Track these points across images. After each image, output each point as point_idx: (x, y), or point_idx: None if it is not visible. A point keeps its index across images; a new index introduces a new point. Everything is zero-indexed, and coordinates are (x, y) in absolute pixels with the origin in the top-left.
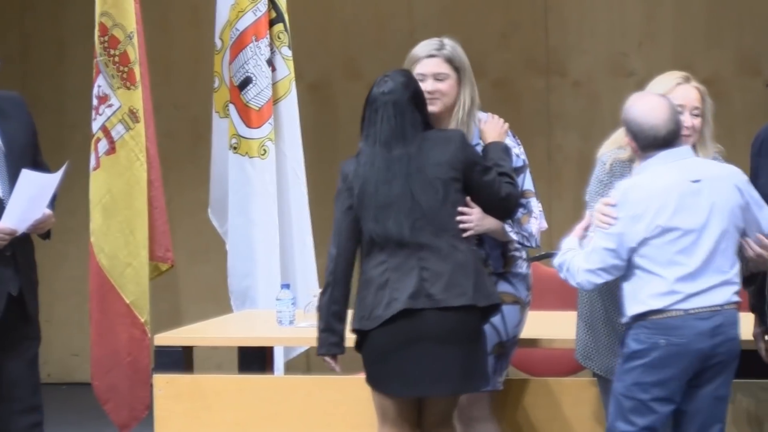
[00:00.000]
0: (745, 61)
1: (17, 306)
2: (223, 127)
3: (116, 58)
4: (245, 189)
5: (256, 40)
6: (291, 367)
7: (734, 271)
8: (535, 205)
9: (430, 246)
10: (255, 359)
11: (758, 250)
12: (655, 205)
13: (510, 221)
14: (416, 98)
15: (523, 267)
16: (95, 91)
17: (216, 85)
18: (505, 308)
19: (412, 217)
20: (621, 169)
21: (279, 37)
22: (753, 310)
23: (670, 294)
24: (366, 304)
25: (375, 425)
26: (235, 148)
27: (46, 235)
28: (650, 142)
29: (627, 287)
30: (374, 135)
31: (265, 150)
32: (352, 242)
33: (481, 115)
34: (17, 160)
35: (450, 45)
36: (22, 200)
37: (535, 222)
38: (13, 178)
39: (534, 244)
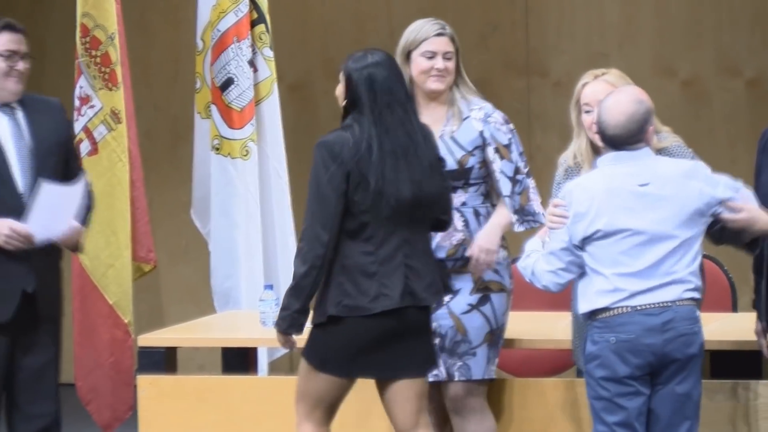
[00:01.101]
0: (725, 61)
1: (31, 307)
2: (204, 128)
3: (98, 59)
4: (227, 190)
5: (238, 41)
6: (275, 367)
7: (689, 269)
8: (531, 182)
9: (412, 238)
10: (238, 360)
11: (732, 216)
12: (595, 207)
13: (515, 214)
14: (400, 74)
15: (505, 254)
16: (77, 92)
17: (198, 86)
18: (494, 296)
19: (410, 205)
20: (575, 172)
21: (260, 38)
22: (754, 306)
23: (615, 292)
24: (346, 290)
25: (360, 425)
26: (217, 149)
27: (75, 248)
28: (604, 138)
29: (579, 285)
30: (387, 103)
31: (247, 151)
32: (338, 227)
33: (476, 101)
34: (43, 157)
35: (448, 26)
36: (43, 211)
37: (536, 198)
38: (36, 175)
39: (543, 221)
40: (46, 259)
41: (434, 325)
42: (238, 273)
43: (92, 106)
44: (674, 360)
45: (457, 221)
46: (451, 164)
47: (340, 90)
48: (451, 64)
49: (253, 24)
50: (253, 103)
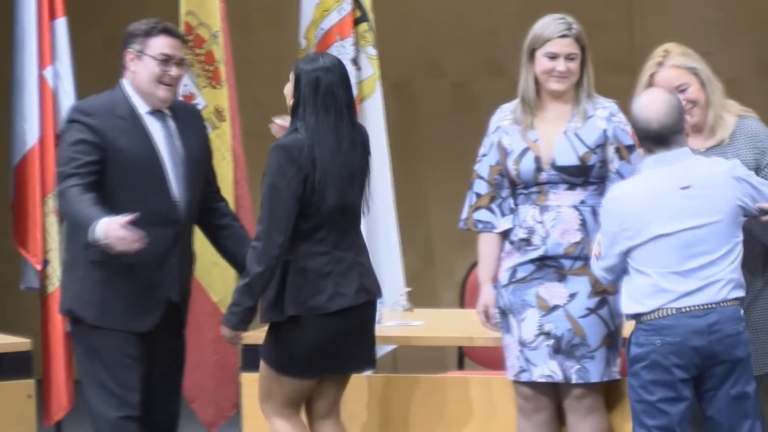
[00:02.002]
0: None
1: (173, 314)
2: None
3: (201, 58)
4: None
5: (341, 39)
6: (377, 366)
7: (732, 268)
8: None
9: (358, 237)
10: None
11: (764, 218)
12: (638, 216)
13: None
14: (348, 80)
15: None
16: (180, 90)
17: None
18: (611, 299)
19: (338, 211)
20: None
21: (364, 37)
22: None
23: (659, 293)
24: (303, 290)
25: (465, 423)
26: None
27: None
28: (643, 136)
29: (623, 286)
30: (325, 106)
31: None
32: (292, 230)
33: (602, 100)
34: (195, 166)
35: (575, 24)
36: None
37: None
38: (191, 185)
39: None
40: (188, 267)
41: (550, 327)
42: None
43: (196, 105)
44: (721, 362)
45: (575, 220)
46: (572, 160)
47: (288, 89)
48: (573, 65)
49: (357, 22)
50: (357, 101)
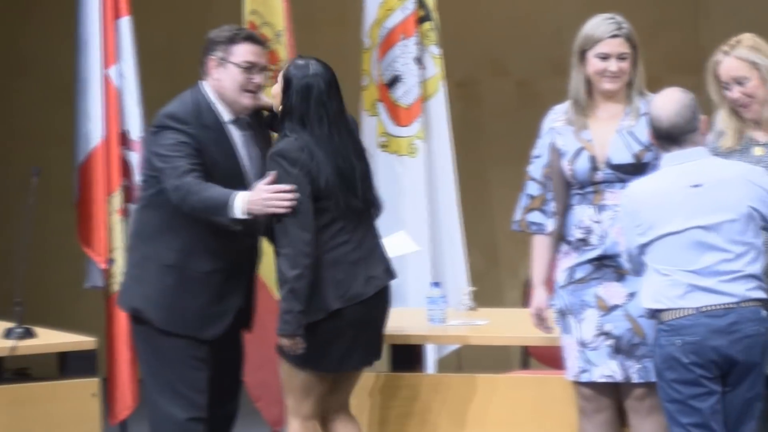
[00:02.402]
0: None
1: (239, 318)
2: (371, 126)
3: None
4: (394, 187)
5: (405, 38)
6: (442, 365)
7: (752, 269)
8: None
9: (372, 224)
10: (406, 357)
11: None
12: (650, 210)
13: None
14: (336, 85)
15: None
16: None
17: (365, 83)
18: None
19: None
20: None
21: (427, 35)
22: None
23: (677, 292)
24: (341, 282)
25: (528, 422)
26: (384, 146)
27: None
28: (656, 134)
29: (644, 282)
30: (318, 116)
31: (414, 148)
32: (314, 226)
33: (651, 96)
34: (264, 173)
35: (625, 23)
36: None
37: None
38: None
39: None
40: (255, 272)
41: (609, 327)
42: (405, 270)
43: None
44: (740, 362)
45: None
46: (627, 158)
47: (276, 90)
48: (625, 65)
49: (420, 21)
50: (420, 100)
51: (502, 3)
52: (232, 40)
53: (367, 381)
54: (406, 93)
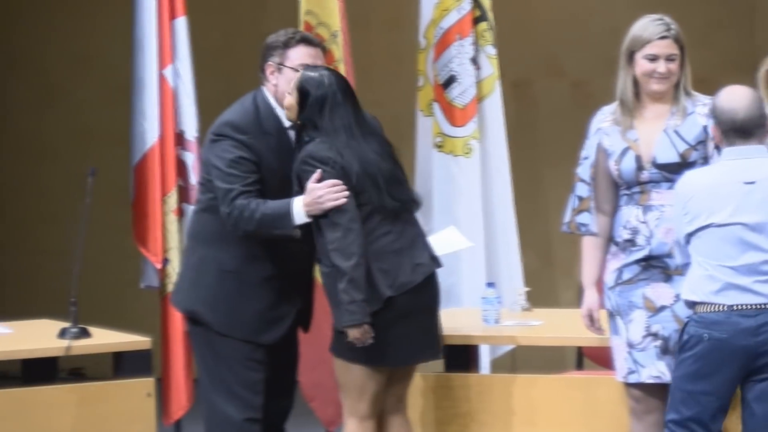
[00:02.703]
0: None
1: (300, 319)
2: (427, 126)
3: None
4: (450, 187)
5: (461, 39)
6: (497, 365)
7: None
8: None
9: (411, 216)
10: (460, 357)
11: None
12: (696, 204)
13: None
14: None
15: None
16: None
17: (420, 83)
18: None
19: (403, 186)
20: None
21: (483, 36)
22: None
23: (714, 286)
24: (387, 272)
25: (583, 424)
26: (439, 146)
27: None
28: (729, 126)
29: (688, 273)
30: (341, 119)
31: (469, 148)
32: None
33: (701, 98)
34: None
35: (673, 24)
36: None
37: None
38: None
39: None
40: (313, 275)
41: (657, 327)
42: (459, 270)
43: None
44: (766, 363)
45: None
46: (673, 157)
47: (291, 102)
48: (674, 66)
49: (476, 21)
50: (476, 100)
51: (556, 3)
52: (287, 45)
53: (421, 381)
54: (461, 93)
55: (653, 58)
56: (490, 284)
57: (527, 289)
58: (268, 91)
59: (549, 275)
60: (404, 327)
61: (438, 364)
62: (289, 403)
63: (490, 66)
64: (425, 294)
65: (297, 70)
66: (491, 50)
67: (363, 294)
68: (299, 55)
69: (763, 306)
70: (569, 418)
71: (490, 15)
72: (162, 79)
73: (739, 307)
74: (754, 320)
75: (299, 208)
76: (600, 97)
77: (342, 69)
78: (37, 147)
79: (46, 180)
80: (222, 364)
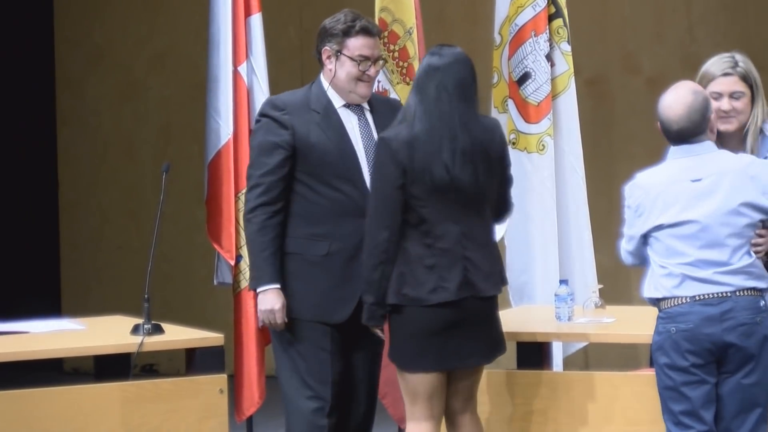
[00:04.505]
0: None
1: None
2: (502, 122)
3: (395, 54)
4: (523, 184)
5: (535, 36)
6: (569, 363)
7: (747, 261)
8: None
9: (471, 230)
10: (533, 354)
11: (755, 241)
12: (649, 203)
13: None
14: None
15: None
16: (375, 86)
17: (495, 80)
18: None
19: (470, 198)
20: None
21: (558, 33)
22: None
23: (675, 283)
24: (406, 280)
25: (655, 421)
26: (513, 143)
27: None
28: (666, 135)
29: (648, 274)
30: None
31: (543, 145)
32: (400, 221)
33: None
34: None
35: (743, 61)
36: None
37: None
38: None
39: None
40: None
41: None
42: (533, 268)
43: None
44: (736, 349)
45: None
46: None
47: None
48: (739, 104)
49: (551, 18)
50: (550, 97)
51: (633, 0)
52: (346, 33)
53: (491, 378)
54: (536, 90)
55: (717, 97)
56: (563, 281)
57: (600, 286)
58: (323, 75)
59: (622, 272)
60: (423, 339)
61: (511, 361)
62: (371, 400)
63: (565, 63)
64: (444, 315)
65: (355, 60)
66: (566, 47)
67: (374, 297)
68: (359, 45)
69: (724, 294)
70: (642, 416)
71: (564, 12)
72: (237, 75)
73: (702, 297)
74: (717, 308)
75: (260, 296)
76: None
77: (416, 66)
78: (116, 143)
79: (125, 176)
80: (293, 353)
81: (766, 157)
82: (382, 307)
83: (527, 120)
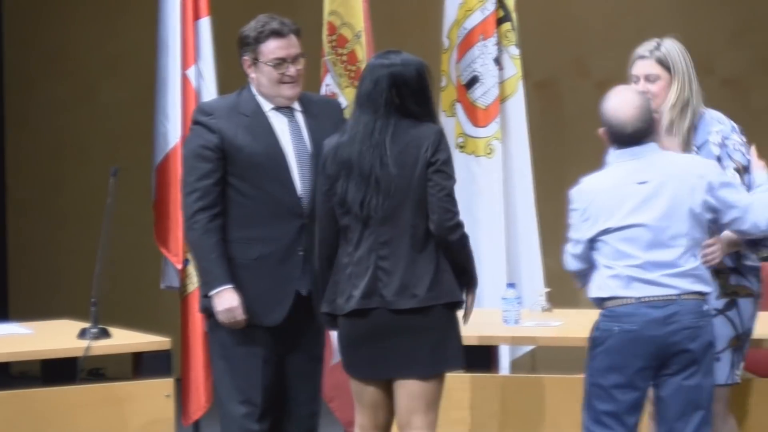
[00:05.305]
0: None
1: (302, 308)
2: (449, 126)
3: (344, 57)
4: (471, 188)
5: (484, 39)
6: (516, 366)
7: (693, 264)
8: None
9: (392, 242)
10: (480, 357)
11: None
12: (596, 207)
13: None
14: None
15: (753, 259)
16: (323, 89)
17: (443, 84)
18: (741, 301)
19: (391, 208)
20: None
21: (506, 36)
22: None
23: (621, 284)
24: (337, 289)
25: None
26: (461, 147)
27: None
28: (617, 138)
29: (594, 276)
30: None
31: (491, 149)
32: (336, 228)
33: (712, 113)
34: None
35: (666, 46)
36: None
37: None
38: (314, 178)
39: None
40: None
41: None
42: (480, 271)
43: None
44: (679, 352)
45: None
46: None
47: None
48: (654, 87)
49: (500, 22)
50: (498, 101)
51: (584, 3)
52: (258, 40)
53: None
54: (484, 94)
55: (636, 80)
56: (511, 285)
57: (548, 289)
58: (251, 82)
59: (570, 276)
60: (348, 346)
61: None
62: (314, 404)
63: (514, 66)
64: (355, 325)
65: (272, 65)
66: (514, 51)
67: (320, 307)
68: (271, 49)
69: (670, 297)
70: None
71: (513, 15)
72: (185, 79)
73: (648, 299)
74: (662, 311)
75: (215, 298)
76: None
77: None
78: (69, 146)
79: (77, 179)
80: (225, 356)
81: (705, 142)
82: (326, 315)
83: (475, 124)
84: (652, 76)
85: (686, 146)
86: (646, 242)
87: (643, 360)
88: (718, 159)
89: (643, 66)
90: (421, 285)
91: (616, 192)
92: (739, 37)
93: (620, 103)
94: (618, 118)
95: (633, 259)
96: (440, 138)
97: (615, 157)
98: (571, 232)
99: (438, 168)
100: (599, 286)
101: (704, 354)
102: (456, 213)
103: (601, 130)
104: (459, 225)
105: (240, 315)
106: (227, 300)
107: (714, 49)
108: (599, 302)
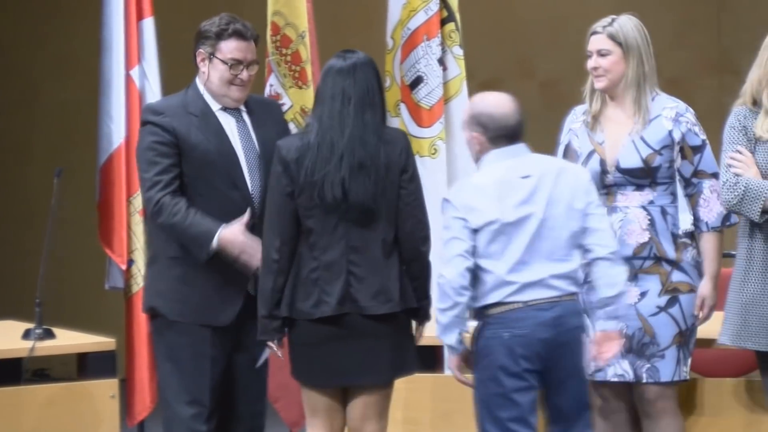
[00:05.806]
0: None
1: (252, 307)
2: (394, 126)
3: (288, 57)
4: None
5: (428, 39)
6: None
7: (571, 263)
8: (708, 186)
9: (363, 245)
10: (426, 358)
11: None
12: (484, 201)
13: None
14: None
15: (694, 254)
16: (267, 90)
17: (387, 84)
18: (682, 297)
19: (361, 212)
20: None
21: (450, 36)
22: None
23: (505, 286)
24: (297, 293)
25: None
26: None
27: None
28: (501, 132)
29: (479, 282)
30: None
31: (435, 149)
32: (292, 232)
33: (667, 100)
34: (270, 160)
35: (620, 22)
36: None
37: (705, 204)
38: (264, 178)
39: (706, 228)
40: None
41: (621, 326)
42: None
43: (282, 104)
44: (566, 353)
45: (643, 220)
46: (636, 162)
47: None
48: (605, 61)
49: (443, 22)
50: (442, 101)
51: (529, 4)
52: (219, 36)
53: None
54: (428, 94)
55: (590, 54)
56: None
57: None
58: (198, 78)
59: None
60: (307, 352)
61: None
62: (259, 404)
63: (457, 67)
64: (327, 331)
65: (227, 63)
66: (458, 51)
67: (266, 310)
68: (231, 48)
69: (555, 299)
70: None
71: (457, 16)
72: (129, 79)
73: (535, 302)
74: (550, 313)
75: (219, 242)
76: (570, 99)
77: (309, 70)
78: (12, 147)
79: (20, 180)
80: (171, 355)
81: (658, 116)
82: (274, 320)
83: (420, 124)
84: (603, 50)
85: (644, 123)
86: (529, 238)
87: (532, 362)
88: (669, 133)
89: (595, 41)
90: (393, 290)
91: (501, 186)
92: (682, 38)
93: (497, 99)
94: (501, 111)
95: (514, 256)
96: (409, 143)
97: (493, 156)
98: (453, 247)
99: (411, 176)
100: (483, 293)
101: (581, 350)
102: (427, 224)
103: (472, 135)
104: (429, 236)
105: (249, 238)
106: (232, 240)
107: (657, 50)
108: (480, 310)
